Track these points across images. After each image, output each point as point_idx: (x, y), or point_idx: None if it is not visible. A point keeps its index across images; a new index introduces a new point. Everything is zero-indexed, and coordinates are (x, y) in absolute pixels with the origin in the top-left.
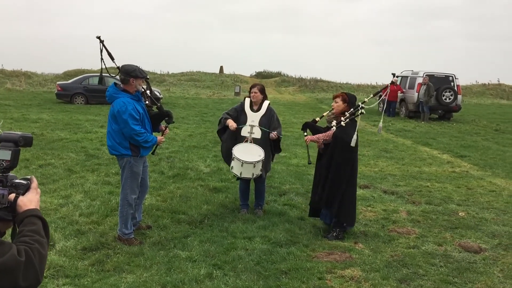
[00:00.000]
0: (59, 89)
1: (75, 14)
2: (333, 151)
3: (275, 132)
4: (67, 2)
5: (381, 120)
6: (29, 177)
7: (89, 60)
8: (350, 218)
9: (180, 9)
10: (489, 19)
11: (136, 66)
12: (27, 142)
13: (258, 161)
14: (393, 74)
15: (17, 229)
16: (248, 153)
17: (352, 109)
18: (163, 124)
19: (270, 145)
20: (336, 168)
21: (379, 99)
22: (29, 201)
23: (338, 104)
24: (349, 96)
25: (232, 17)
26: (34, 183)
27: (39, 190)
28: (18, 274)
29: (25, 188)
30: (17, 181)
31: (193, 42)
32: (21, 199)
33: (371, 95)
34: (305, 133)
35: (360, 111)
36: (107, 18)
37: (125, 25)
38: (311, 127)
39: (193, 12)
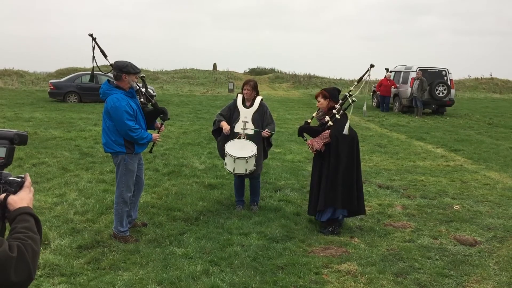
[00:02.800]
0: (52, 87)
1: (67, 13)
2: (337, 151)
3: (267, 130)
4: (59, 1)
5: (365, 104)
6: (23, 175)
7: (81, 58)
8: (364, 207)
9: (172, 7)
10: (475, 14)
11: (129, 62)
12: (22, 140)
13: (250, 156)
14: (387, 69)
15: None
16: (240, 149)
17: (340, 101)
18: (158, 121)
19: (263, 141)
20: (346, 167)
21: (362, 83)
22: (21, 199)
23: (321, 102)
24: (328, 91)
25: (224, 14)
26: (28, 181)
27: (32, 188)
28: (9, 269)
29: (18, 186)
30: (11, 178)
31: (186, 39)
32: (12, 197)
33: (356, 83)
34: (304, 138)
35: (350, 100)
36: (98, 16)
37: (116, 23)
38: (307, 130)
39: (185, 10)
